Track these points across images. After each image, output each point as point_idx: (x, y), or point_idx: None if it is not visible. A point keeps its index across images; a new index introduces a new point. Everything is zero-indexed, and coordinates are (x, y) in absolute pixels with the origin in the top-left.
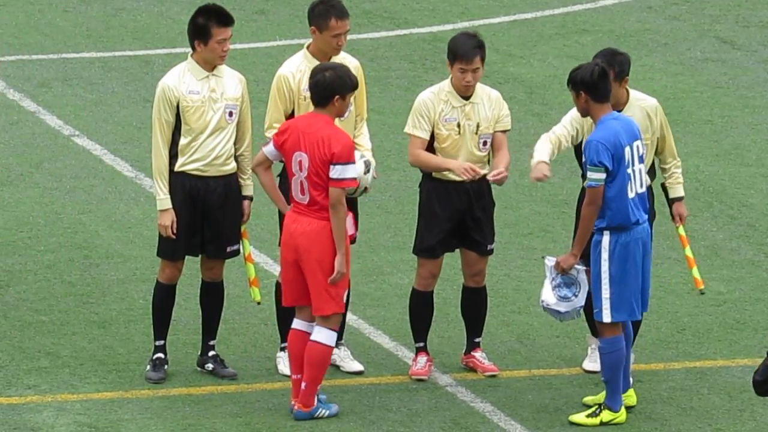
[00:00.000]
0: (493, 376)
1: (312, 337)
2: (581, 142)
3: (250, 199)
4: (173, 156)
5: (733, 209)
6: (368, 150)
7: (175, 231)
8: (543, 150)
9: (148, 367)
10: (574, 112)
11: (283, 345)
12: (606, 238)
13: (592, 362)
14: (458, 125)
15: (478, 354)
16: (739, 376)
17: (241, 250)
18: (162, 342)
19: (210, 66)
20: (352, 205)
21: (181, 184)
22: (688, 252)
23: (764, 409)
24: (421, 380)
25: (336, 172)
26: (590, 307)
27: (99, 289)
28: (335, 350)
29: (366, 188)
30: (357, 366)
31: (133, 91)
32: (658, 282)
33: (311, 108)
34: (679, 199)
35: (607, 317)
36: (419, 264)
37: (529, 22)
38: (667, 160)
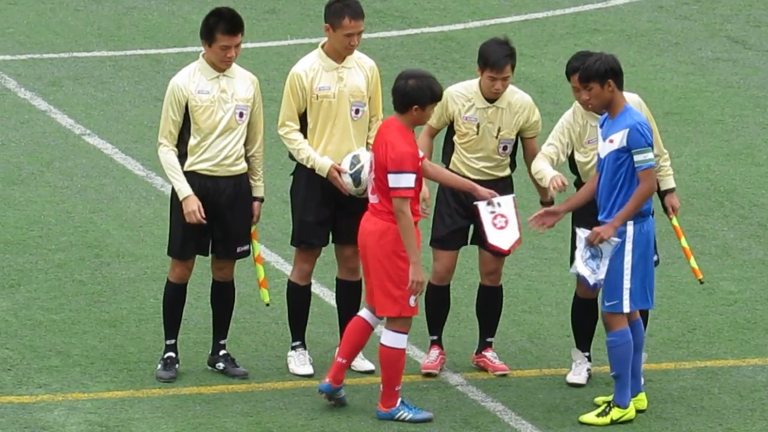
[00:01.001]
0: (504, 375)
1: (380, 340)
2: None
3: (261, 200)
4: (182, 155)
5: (744, 209)
6: None
7: (180, 230)
8: (546, 167)
9: (159, 366)
10: (560, 126)
11: (294, 344)
12: (631, 228)
13: (576, 375)
14: (477, 126)
15: (489, 354)
16: (749, 375)
17: (251, 251)
18: (173, 341)
19: (220, 66)
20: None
21: (191, 184)
22: (684, 243)
23: None
24: (431, 374)
25: (391, 180)
26: (583, 316)
27: (110, 288)
28: None
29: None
30: (368, 365)
31: (144, 90)
32: (668, 281)
33: (324, 107)
34: (671, 190)
35: (627, 307)
36: (434, 258)
37: (540, 22)
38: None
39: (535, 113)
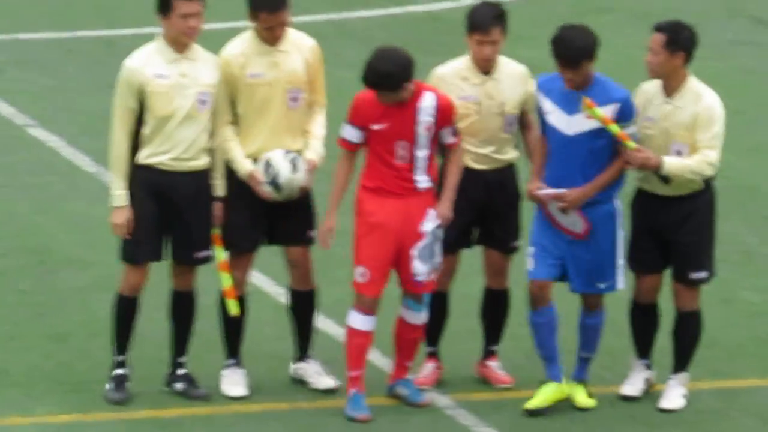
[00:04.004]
0: (507, 388)
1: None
2: None
3: (222, 200)
4: (135, 147)
5: None
6: (318, 138)
7: (132, 231)
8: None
9: (109, 386)
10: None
11: (228, 362)
12: (617, 204)
13: (630, 386)
14: (477, 104)
15: (493, 363)
16: None
17: (215, 258)
18: (123, 357)
19: (180, 46)
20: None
21: (145, 179)
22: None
23: None
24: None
25: None
26: (642, 322)
27: (56, 299)
28: (303, 365)
29: (302, 187)
30: (329, 382)
31: (96, 76)
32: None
33: (256, 96)
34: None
35: (621, 284)
36: None
37: (541, 1)
38: None
39: (530, 84)
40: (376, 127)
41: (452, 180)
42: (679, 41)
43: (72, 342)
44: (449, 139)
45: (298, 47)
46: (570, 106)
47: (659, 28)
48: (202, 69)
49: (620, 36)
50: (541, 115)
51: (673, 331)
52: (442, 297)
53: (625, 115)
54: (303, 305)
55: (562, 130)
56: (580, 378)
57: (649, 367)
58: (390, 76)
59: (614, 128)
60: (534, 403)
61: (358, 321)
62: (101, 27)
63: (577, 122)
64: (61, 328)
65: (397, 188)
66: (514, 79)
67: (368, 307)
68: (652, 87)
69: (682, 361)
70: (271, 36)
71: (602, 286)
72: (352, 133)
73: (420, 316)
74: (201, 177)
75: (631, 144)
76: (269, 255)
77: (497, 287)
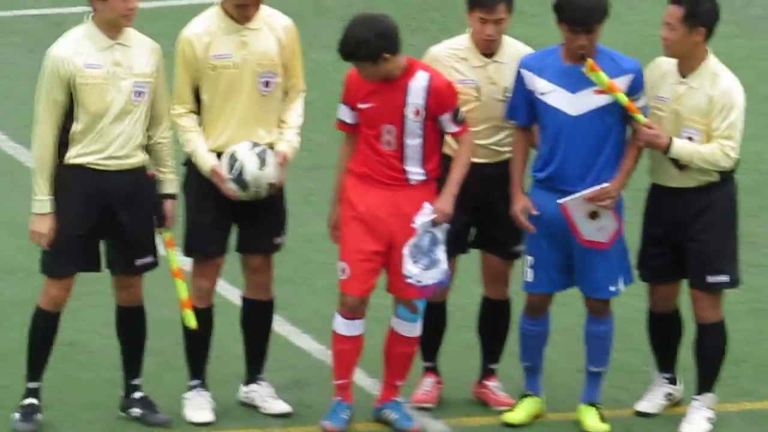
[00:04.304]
0: (510, 410)
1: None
2: None
3: (173, 197)
4: (63, 144)
5: None
6: (293, 127)
7: (54, 241)
8: None
9: (18, 416)
10: None
11: (192, 383)
12: (621, 194)
13: (648, 402)
14: (477, 89)
15: (492, 383)
16: None
17: (169, 263)
18: (37, 384)
19: (114, 31)
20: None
21: (74, 181)
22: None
23: None
24: (426, 408)
25: None
26: (662, 332)
27: None
28: (254, 387)
29: (272, 184)
30: (283, 406)
31: (40, 60)
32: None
33: (223, 81)
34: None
35: (622, 285)
36: None
37: None
38: None
39: None
40: (362, 106)
41: (456, 174)
42: (699, 15)
43: (12, 361)
44: (451, 127)
45: (270, 25)
46: (572, 82)
47: (676, 0)
48: (137, 56)
49: (633, 12)
50: (529, 99)
51: (694, 345)
52: (438, 307)
53: (637, 87)
54: (259, 317)
55: (566, 111)
56: (590, 399)
57: (672, 381)
58: (365, 43)
59: (622, 98)
60: (515, 418)
61: (341, 325)
62: (46, 5)
63: (582, 101)
64: (1, 345)
65: (383, 177)
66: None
67: (351, 310)
68: (667, 63)
69: (706, 380)
70: (243, 14)
71: (613, 288)
72: (346, 113)
73: (414, 328)
74: (137, 174)
75: (641, 117)
76: (238, 262)
77: (497, 297)
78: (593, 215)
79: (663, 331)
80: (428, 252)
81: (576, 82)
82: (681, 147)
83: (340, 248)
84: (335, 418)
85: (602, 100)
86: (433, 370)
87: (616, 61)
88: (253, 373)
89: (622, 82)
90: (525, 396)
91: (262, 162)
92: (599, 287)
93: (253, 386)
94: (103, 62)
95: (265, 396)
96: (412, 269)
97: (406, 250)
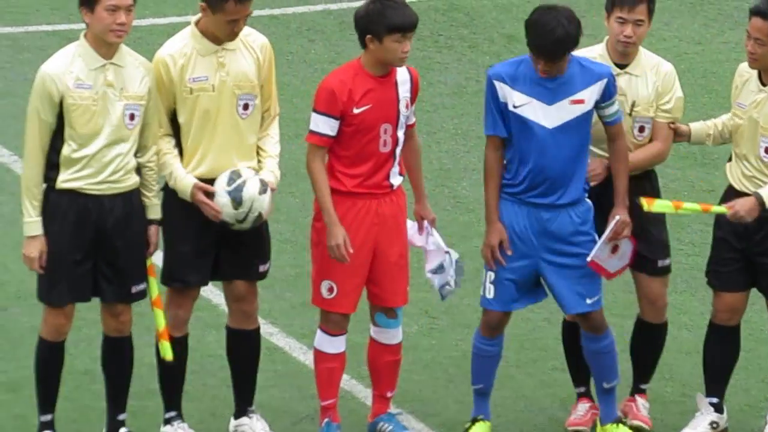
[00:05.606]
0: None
1: None
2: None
3: (158, 223)
4: (53, 167)
5: None
6: (273, 156)
7: (47, 267)
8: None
9: None
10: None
11: (168, 415)
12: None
13: (692, 429)
14: None
15: (640, 400)
16: None
17: (148, 292)
18: (49, 417)
19: (106, 49)
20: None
21: (67, 205)
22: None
23: None
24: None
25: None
26: (718, 349)
27: (8, 341)
28: (245, 421)
29: (260, 214)
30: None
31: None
32: (746, 329)
33: (200, 104)
34: None
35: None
36: None
37: None
38: None
39: (673, 88)
40: (358, 110)
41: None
42: None
43: (26, 391)
44: (412, 119)
45: (248, 45)
46: (548, 94)
47: (760, 13)
48: (130, 76)
49: (668, 28)
50: (498, 111)
51: None
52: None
53: (610, 92)
54: (247, 346)
55: (542, 123)
56: (611, 417)
57: (718, 409)
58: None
59: (695, 207)
60: None
61: (326, 343)
62: (58, 20)
63: (557, 113)
64: (14, 374)
65: (370, 187)
66: (655, 76)
67: (338, 326)
68: (749, 70)
69: None
70: (231, 31)
71: (589, 301)
72: (329, 125)
73: (395, 334)
74: (131, 197)
75: (722, 209)
76: (215, 286)
77: (652, 321)
78: (615, 249)
79: (717, 348)
80: (443, 266)
81: (551, 94)
82: None
83: (322, 267)
84: None
85: (579, 109)
86: (586, 395)
87: (588, 69)
88: (242, 406)
89: (597, 89)
90: (475, 421)
91: (263, 189)
92: (575, 303)
93: (244, 419)
94: (93, 82)
95: (256, 429)
96: (439, 282)
97: (427, 273)
